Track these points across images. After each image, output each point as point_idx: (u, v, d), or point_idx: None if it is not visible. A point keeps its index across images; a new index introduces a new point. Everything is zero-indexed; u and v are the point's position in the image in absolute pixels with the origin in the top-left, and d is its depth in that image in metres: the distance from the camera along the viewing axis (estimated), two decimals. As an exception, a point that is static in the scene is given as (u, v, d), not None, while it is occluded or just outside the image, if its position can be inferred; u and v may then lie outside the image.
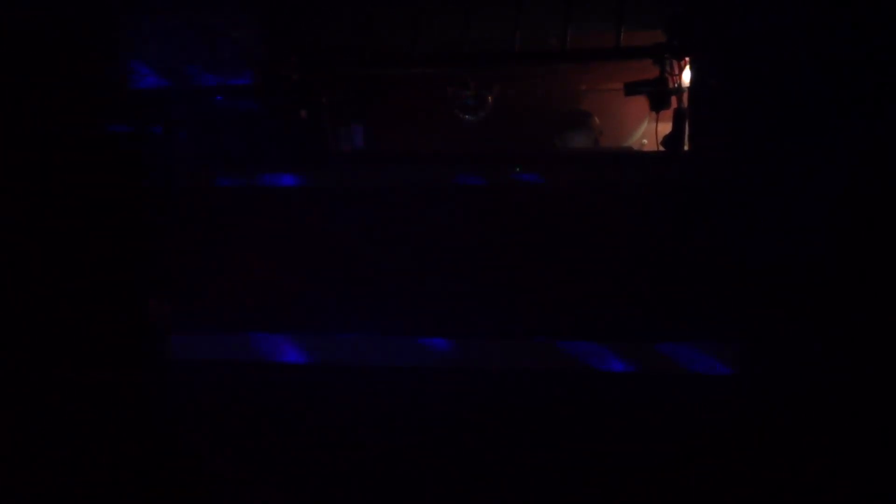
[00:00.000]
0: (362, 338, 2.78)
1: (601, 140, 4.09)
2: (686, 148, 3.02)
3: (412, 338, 2.75)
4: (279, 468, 2.93)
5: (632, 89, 3.22)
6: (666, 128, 3.23)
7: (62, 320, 3.21)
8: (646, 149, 4.06)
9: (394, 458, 2.86)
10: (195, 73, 2.87)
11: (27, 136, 3.21)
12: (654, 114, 3.40)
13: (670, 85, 3.16)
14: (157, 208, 3.00)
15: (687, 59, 3.10)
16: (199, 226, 2.89)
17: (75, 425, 3.22)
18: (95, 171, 3.18)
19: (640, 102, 3.67)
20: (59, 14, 3.07)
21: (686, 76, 3.17)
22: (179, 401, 2.95)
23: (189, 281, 2.89)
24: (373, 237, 2.80)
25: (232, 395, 2.93)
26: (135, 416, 3.18)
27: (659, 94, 3.13)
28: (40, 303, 3.22)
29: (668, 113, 3.26)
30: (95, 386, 3.20)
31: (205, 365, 2.89)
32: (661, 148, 3.20)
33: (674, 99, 3.20)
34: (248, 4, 2.95)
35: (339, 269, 2.80)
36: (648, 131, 4.05)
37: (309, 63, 3.11)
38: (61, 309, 3.21)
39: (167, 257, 2.91)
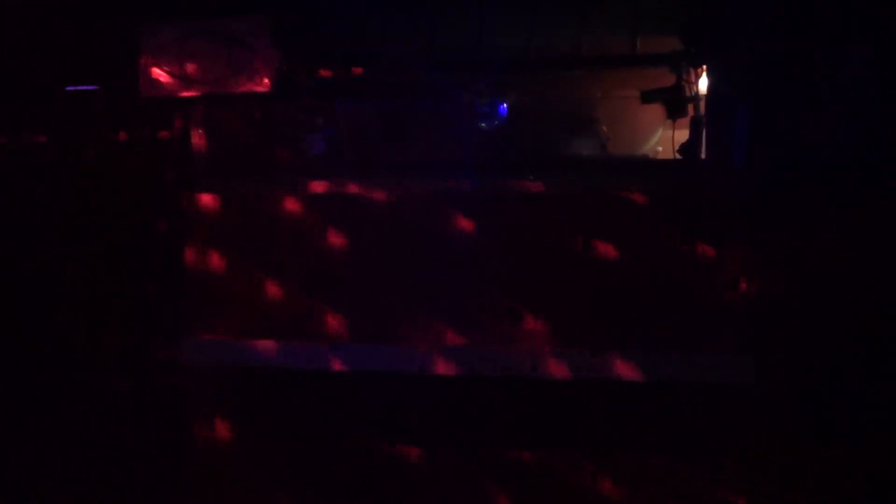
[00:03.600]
0: (370, 345, 2.77)
1: (610, 147, 4.04)
2: (703, 156, 3.00)
3: (420, 345, 2.74)
4: (287, 470, 2.92)
5: (648, 97, 3.19)
6: (682, 135, 3.20)
7: (75, 325, 3.22)
8: (661, 156, 4.03)
9: (401, 462, 2.84)
10: (211, 79, 2.88)
11: (42, 141, 3.23)
12: (668, 121, 3.37)
13: (687, 92, 3.12)
14: (171, 214, 3.01)
15: (704, 66, 3.07)
16: (211, 231, 2.89)
17: (87, 427, 3.23)
18: (109, 176, 3.20)
19: (655, 109, 3.64)
20: (78, 21, 3.09)
21: (703, 83, 3.13)
22: (190, 404, 2.95)
23: (201, 286, 2.89)
24: (384, 244, 2.79)
25: (241, 400, 2.93)
26: (145, 419, 3.18)
27: (675, 102, 3.10)
28: (54, 307, 3.23)
29: (684, 119, 3.22)
30: (107, 389, 3.21)
31: (215, 370, 2.89)
32: (678, 155, 3.17)
33: (690, 107, 3.17)
34: (264, 12, 2.95)
35: (349, 276, 2.79)
36: (663, 138, 4.02)
37: (324, 70, 3.11)
38: (75, 313, 3.23)
39: (180, 262, 2.91)
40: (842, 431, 2.58)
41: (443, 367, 2.74)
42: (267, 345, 2.80)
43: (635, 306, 2.64)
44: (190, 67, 2.88)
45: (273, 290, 2.82)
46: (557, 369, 2.66)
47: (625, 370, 2.61)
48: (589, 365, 2.63)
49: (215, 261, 2.87)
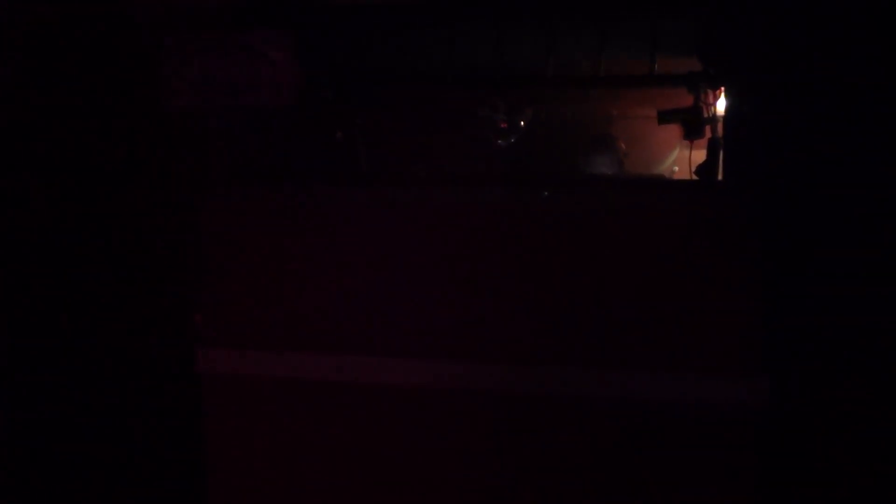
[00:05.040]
0: (388, 358, 2.78)
1: (627, 164, 4.06)
2: (720, 178, 3.00)
3: (439, 360, 2.74)
4: (301, 484, 2.92)
5: (665, 118, 3.20)
6: (699, 155, 3.21)
7: (95, 333, 3.24)
8: (677, 176, 4.05)
9: (414, 477, 2.84)
10: (231, 91, 2.91)
11: (63, 153, 3.26)
12: (685, 141, 3.39)
13: (705, 114, 3.14)
14: (189, 223, 3.03)
15: (722, 87, 3.08)
16: (229, 242, 2.91)
17: (103, 434, 3.25)
18: (127, 186, 3.23)
19: (671, 129, 3.66)
20: (96, 32, 3.13)
21: (721, 105, 3.15)
22: (204, 414, 2.96)
23: (218, 295, 2.91)
24: (402, 258, 2.80)
25: (256, 412, 2.93)
26: (160, 428, 3.20)
27: (693, 123, 3.11)
28: (70, 314, 3.25)
29: (702, 140, 3.24)
30: (123, 396, 3.23)
31: (230, 380, 2.90)
32: (695, 176, 3.18)
33: (707, 128, 3.18)
34: (283, 24, 2.99)
35: (368, 288, 2.80)
36: (679, 158, 4.04)
37: (344, 84, 3.14)
38: (95, 322, 3.25)
39: (198, 272, 2.93)
40: (859, 457, 2.56)
41: (452, 382, 2.74)
42: (285, 356, 2.81)
43: (646, 325, 2.64)
44: (211, 79, 2.91)
45: (294, 300, 2.83)
46: (562, 387, 2.66)
47: (633, 390, 2.61)
48: (596, 384, 2.63)
49: (234, 271, 2.88)
